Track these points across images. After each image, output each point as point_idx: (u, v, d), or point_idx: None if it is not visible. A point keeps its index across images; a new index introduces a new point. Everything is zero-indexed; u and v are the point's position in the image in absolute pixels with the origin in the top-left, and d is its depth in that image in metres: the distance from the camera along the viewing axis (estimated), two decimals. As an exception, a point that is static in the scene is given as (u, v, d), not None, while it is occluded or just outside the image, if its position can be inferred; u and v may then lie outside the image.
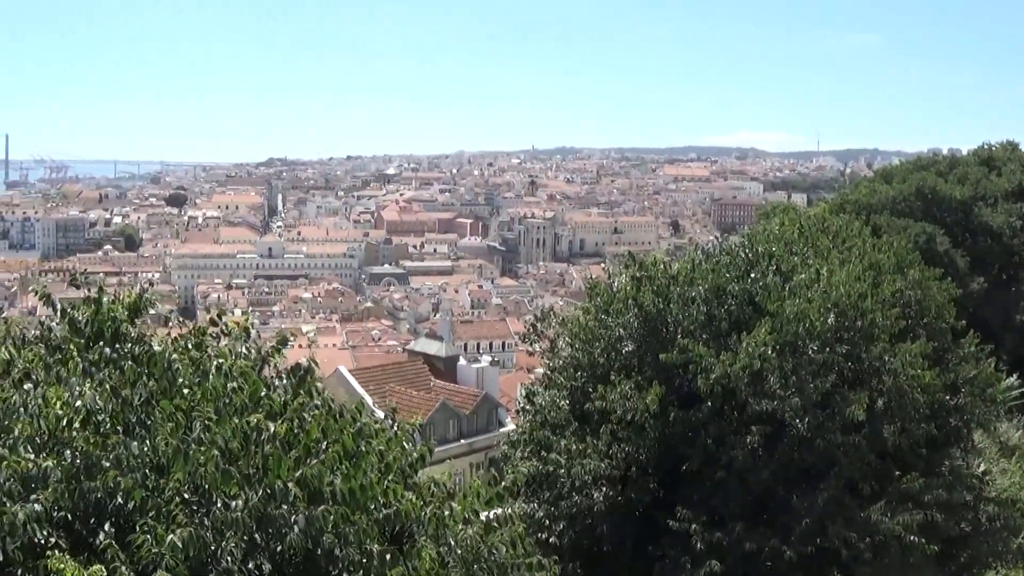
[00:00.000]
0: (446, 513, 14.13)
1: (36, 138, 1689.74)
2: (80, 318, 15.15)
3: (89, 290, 15.46)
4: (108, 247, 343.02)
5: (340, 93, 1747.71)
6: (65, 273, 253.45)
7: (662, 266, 31.63)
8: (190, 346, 14.62)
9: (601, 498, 28.48)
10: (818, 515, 27.51)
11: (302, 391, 14.61)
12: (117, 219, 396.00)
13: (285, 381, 14.83)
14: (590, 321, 31.92)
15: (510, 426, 59.88)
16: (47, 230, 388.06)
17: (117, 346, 14.66)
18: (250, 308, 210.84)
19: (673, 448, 28.78)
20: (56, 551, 11.19)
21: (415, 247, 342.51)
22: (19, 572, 11.42)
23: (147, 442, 12.56)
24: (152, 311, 16.08)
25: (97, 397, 12.98)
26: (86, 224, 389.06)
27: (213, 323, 15.92)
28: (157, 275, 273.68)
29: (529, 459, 30.17)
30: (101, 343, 14.59)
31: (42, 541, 11.53)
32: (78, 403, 12.87)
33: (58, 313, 15.47)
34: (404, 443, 14.76)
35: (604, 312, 31.58)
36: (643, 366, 29.93)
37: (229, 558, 11.53)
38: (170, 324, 17.08)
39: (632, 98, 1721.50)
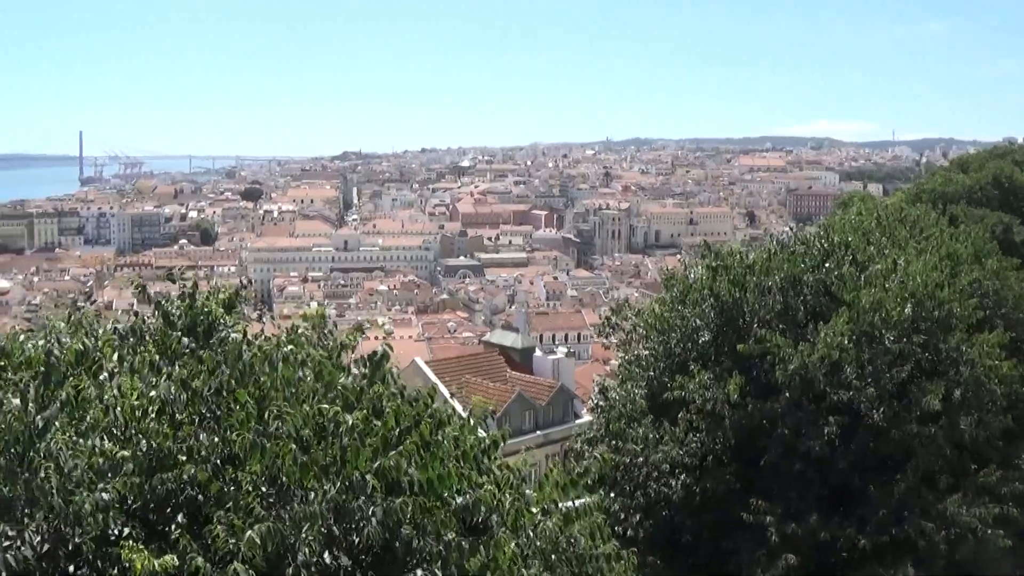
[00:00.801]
0: (524, 503, 14.05)
1: (110, 134, 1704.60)
2: (174, 311, 15.15)
3: (184, 285, 15.53)
4: (184, 241, 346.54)
5: (415, 86, 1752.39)
6: (141, 268, 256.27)
7: (738, 256, 31.47)
8: (282, 339, 14.48)
9: (679, 486, 28.43)
10: (894, 505, 27.37)
11: (377, 379, 14.55)
12: (192, 214, 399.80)
13: (360, 369, 14.74)
14: (666, 312, 31.84)
15: (586, 417, 59.70)
16: (122, 225, 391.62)
17: (210, 340, 14.75)
18: (326, 301, 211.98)
19: (751, 439, 28.68)
20: (128, 541, 11.17)
21: (490, 239, 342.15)
22: (91, 561, 11.48)
23: (218, 434, 12.64)
24: (246, 306, 16.19)
25: (171, 388, 12.95)
26: (161, 219, 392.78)
27: (305, 317, 15.95)
28: (233, 269, 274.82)
29: (603, 451, 29.39)
30: (180, 334, 14.64)
31: (114, 531, 11.56)
32: (152, 393, 12.86)
33: (152, 305, 15.38)
34: (478, 430, 14.60)
35: (680, 303, 31.51)
36: (720, 356, 29.85)
37: (307, 551, 11.54)
38: (263, 319, 17.25)
39: (708, 88, 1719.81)
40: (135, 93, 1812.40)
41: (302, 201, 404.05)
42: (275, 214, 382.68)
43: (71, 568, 11.57)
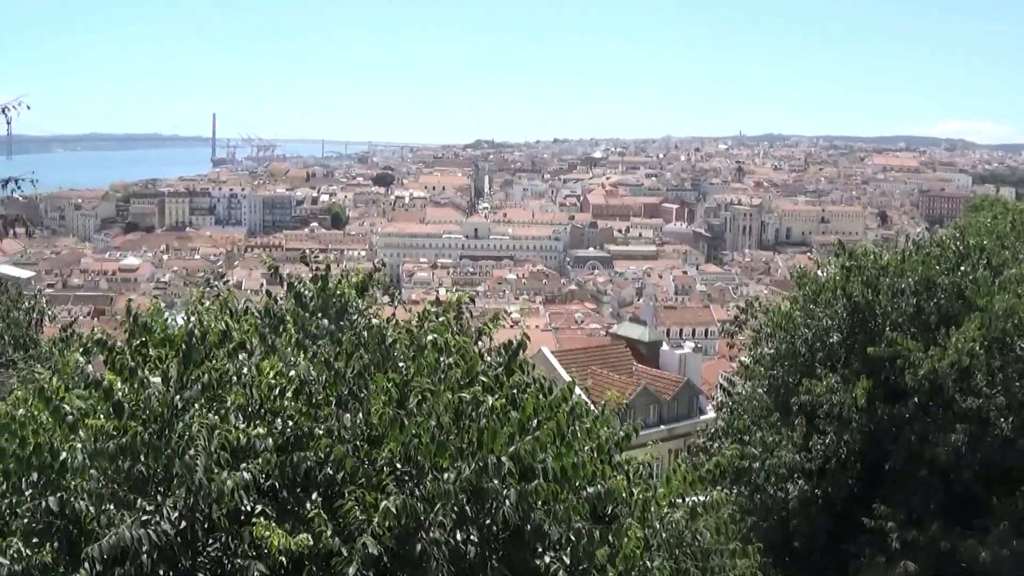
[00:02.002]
0: (652, 496, 14.12)
1: (244, 117, 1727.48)
2: (307, 293, 15.31)
3: (317, 268, 15.62)
4: (315, 224, 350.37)
5: (548, 76, 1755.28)
6: (271, 249, 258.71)
7: (872, 256, 31.14)
8: (426, 325, 14.59)
9: (795, 492, 28.27)
10: (1018, 518, 26.99)
11: (514, 367, 14.54)
12: (324, 197, 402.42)
13: (497, 357, 14.68)
14: (796, 311, 31.63)
15: (710, 414, 59.82)
16: (254, 207, 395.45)
17: (341, 322, 14.81)
18: (455, 288, 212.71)
19: (877, 443, 28.44)
20: (262, 519, 11.37)
21: (620, 231, 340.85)
22: (225, 539, 11.72)
23: (360, 414, 12.74)
24: (379, 290, 16.32)
25: (311, 368, 13.11)
26: (293, 202, 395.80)
27: (437, 302, 15.99)
28: (363, 253, 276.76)
29: (727, 449, 29.70)
30: (319, 315, 14.78)
31: (248, 509, 11.78)
32: (291, 373, 13.04)
33: (285, 286, 15.58)
34: (610, 423, 14.65)
35: (812, 302, 31.29)
36: (850, 358, 29.63)
37: (438, 528, 11.61)
38: (395, 303, 17.29)
39: (841, 85, 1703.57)
40: (270, 77, 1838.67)
41: (433, 188, 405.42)
42: (406, 200, 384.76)
43: (205, 543, 11.80)
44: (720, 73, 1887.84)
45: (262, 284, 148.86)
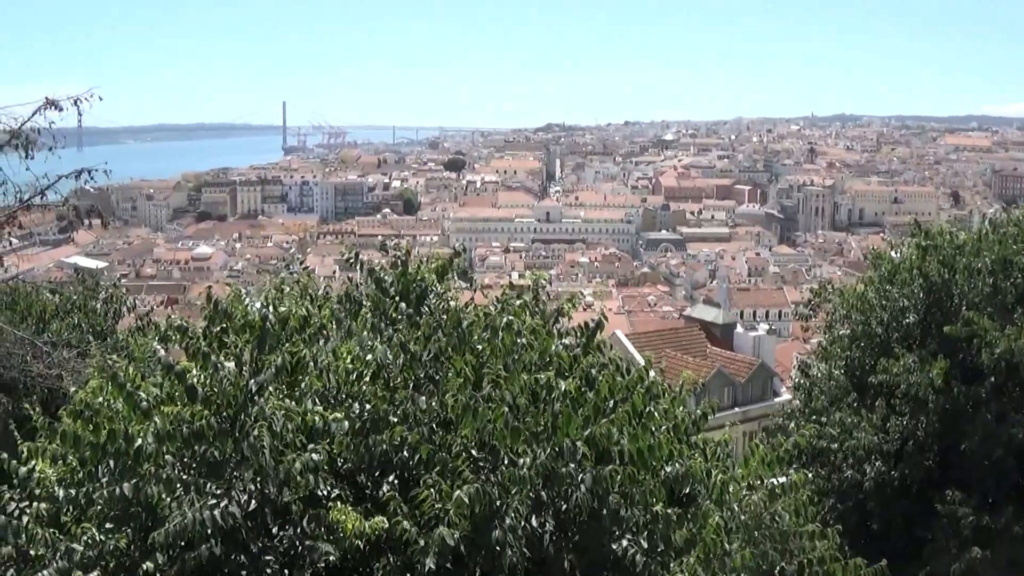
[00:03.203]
0: (730, 477, 14.12)
1: (314, 104, 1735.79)
2: (387, 279, 15.27)
3: (396, 253, 15.56)
4: (387, 210, 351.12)
5: (618, 58, 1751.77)
6: (343, 236, 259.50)
7: (948, 236, 30.89)
8: (502, 307, 14.47)
9: (873, 473, 28.11)
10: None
11: (591, 349, 14.56)
12: (396, 183, 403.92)
13: (574, 339, 14.66)
14: (871, 292, 31.45)
15: (784, 396, 59.47)
16: (326, 194, 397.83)
17: (421, 307, 14.80)
18: (527, 271, 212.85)
19: (953, 424, 28.14)
20: (338, 502, 11.53)
21: (692, 213, 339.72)
22: (299, 523, 11.76)
23: (435, 398, 12.78)
24: (458, 275, 16.19)
25: (388, 352, 13.14)
26: (365, 188, 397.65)
27: (511, 286, 16.01)
28: (435, 238, 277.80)
29: (805, 430, 28.99)
30: (398, 299, 14.77)
31: (324, 492, 11.85)
32: (368, 357, 13.09)
33: (364, 272, 15.59)
34: (686, 403, 14.58)
35: (887, 283, 31.08)
36: (926, 338, 29.41)
37: (514, 515, 11.58)
38: (474, 287, 17.59)
39: (913, 65, 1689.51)
40: (339, 64, 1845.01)
41: (505, 172, 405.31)
42: (478, 184, 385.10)
43: (277, 527, 11.89)
44: (791, 53, 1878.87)
45: (335, 271, 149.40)
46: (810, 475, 27.24)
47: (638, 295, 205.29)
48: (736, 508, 14.06)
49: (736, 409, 62.30)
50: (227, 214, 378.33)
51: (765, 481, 14.98)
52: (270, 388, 12.12)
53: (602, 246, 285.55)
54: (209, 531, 10.90)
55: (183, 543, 11.02)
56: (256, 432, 11.41)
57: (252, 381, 12.03)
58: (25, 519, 11.90)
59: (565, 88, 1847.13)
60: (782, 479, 15.14)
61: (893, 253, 33.01)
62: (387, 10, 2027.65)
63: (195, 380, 11.98)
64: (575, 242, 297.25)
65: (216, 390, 12.00)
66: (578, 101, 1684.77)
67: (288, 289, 15.14)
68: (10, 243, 20.40)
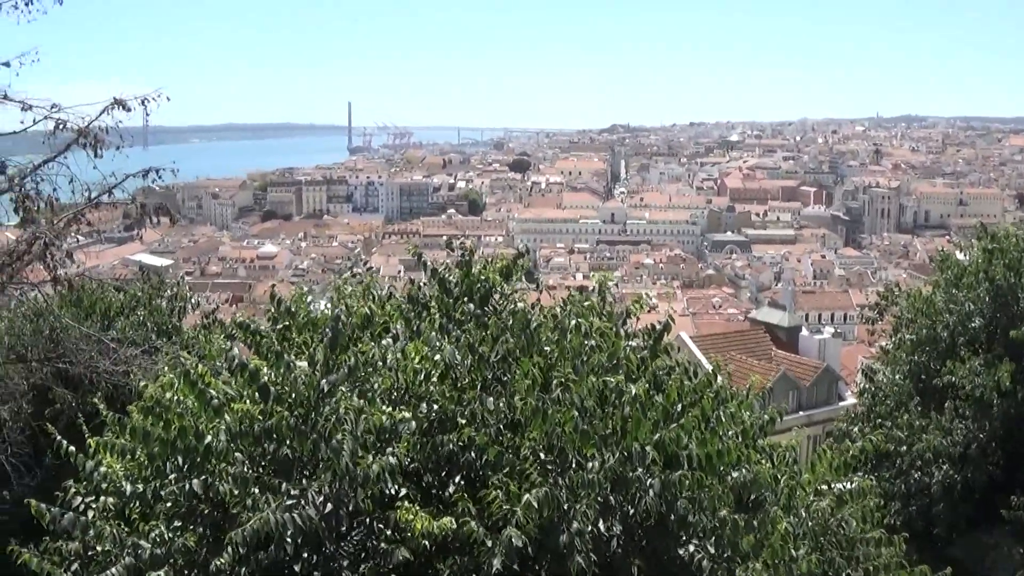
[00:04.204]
0: (798, 483, 14.12)
1: (379, 105, 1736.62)
2: (451, 279, 15.28)
3: (461, 253, 15.59)
4: (452, 211, 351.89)
5: (683, 59, 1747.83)
6: (408, 236, 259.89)
7: (1014, 239, 30.73)
8: (570, 309, 14.42)
9: (939, 477, 27.99)
10: None
11: (659, 352, 14.57)
12: (461, 184, 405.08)
13: (641, 341, 14.66)
14: (937, 296, 31.33)
15: (849, 400, 58.88)
16: (391, 194, 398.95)
17: (485, 307, 14.81)
18: (592, 273, 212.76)
19: (1018, 428, 28.08)
20: (405, 502, 11.47)
21: (758, 215, 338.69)
22: (369, 523, 11.81)
23: (503, 399, 12.73)
24: (524, 275, 16.16)
25: (456, 352, 13.12)
26: (430, 188, 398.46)
27: (580, 289, 16.03)
28: (500, 239, 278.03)
29: (869, 435, 29.28)
30: (464, 299, 14.76)
31: (392, 492, 11.80)
32: (436, 357, 13.03)
33: (428, 272, 15.62)
34: (753, 407, 14.59)
35: (954, 286, 30.97)
36: (992, 343, 29.29)
37: (582, 519, 11.52)
38: (539, 288, 17.27)
39: (979, 66, 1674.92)
40: (404, 65, 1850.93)
41: (570, 173, 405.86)
42: (543, 185, 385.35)
43: (347, 527, 11.88)
44: (856, 54, 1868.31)
45: (399, 271, 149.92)
46: (875, 479, 27.30)
47: (703, 297, 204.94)
48: (803, 514, 14.00)
49: (800, 413, 61.90)
50: (292, 213, 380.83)
51: (832, 486, 14.99)
52: (341, 388, 12.08)
53: (667, 247, 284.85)
54: (290, 532, 10.95)
55: (255, 543, 10.97)
56: (340, 436, 11.41)
57: (324, 380, 12.00)
58: (91, 514, 12.07)
59: (630, 89, 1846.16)
60: (848, 484, 15.17)
61: (959, 256, 32.90)
62: (453, 11, 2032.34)
63: (267, 379, 11.98)
64: (640, 243, 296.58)
65: (288, 389, 12.05)
66: (643, 102, 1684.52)
67: (351, 289, 15.18)
68: (77, 240, 20.45)
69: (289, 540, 11.01)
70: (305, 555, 11.48)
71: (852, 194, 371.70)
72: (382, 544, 11.59)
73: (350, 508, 11.66)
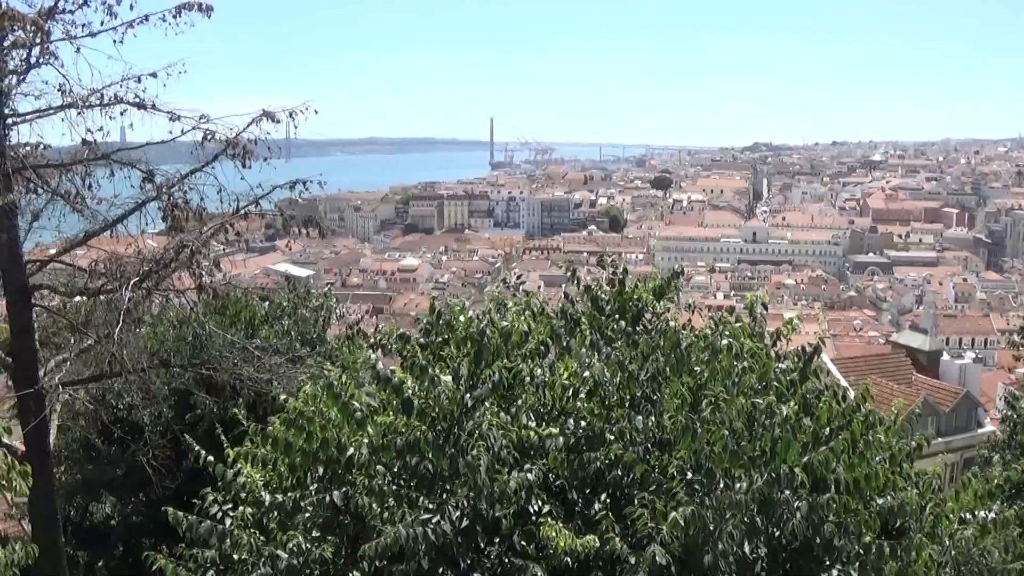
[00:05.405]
0: (942, 510, 13.92)
1: (521, 120, 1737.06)
2: (603, 296, 15.42)
3: (614, 271, 15.80)
4: (592, 227, 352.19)
5: (825, 77, 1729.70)
6: (549, 252, 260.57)
7: None
8: (721, 329, 14.17)
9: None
10: None
11: (808, 374, 14.28)
12: (602, 200, 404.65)
13: (791, 363, 14.43)
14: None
15: (988, 427, 59.03)
16: (532, 209, 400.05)
17: (637, 326, 15.01)
18: (732, 292, 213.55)
19: None
20: (548, 519, 11.43)
21: (900, 236, 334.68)
22: (508, 539, 11.78)
23: (652, 417, 12.74)
24: (679, 295, 16.26)
25: (605, 369, 13.11)
26: (571, 204, 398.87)
27: (729, 310, 16.34)
28: (641, 256, 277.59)
29: (1012, 463, 27.92)
30: (619, 317, 14.93)
31: (535, 508, 11.84)
32: (585, 374, 13.07)
33: (581, 289, 15.75)
34: (900, 432, 14.21)
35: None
36: None
37: (727, 540, 11.43)
38: (692, 308, 16.98)
39: None
40: (547, 82, 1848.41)
41: (711, 191, 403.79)
42: (684, 203, 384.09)
43: (485, 542, 11.94)
44: (1000, 74, 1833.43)
45: (539, 286, 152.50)
46: (1015, 508, 29.20)
47: (844, 319, 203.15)
48: (947, 542, 13.80)
49: (939, 439, 60.32)
50: (434, 227, 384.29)
51: (976, 515, 14.70)
52: (486, 403, 12.18)
53: (808, 268, 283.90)
54: (423, 547, 11.00)
55: (390, 556, 11.08)
56: (475, 451, 11.51)
57: (468, 396, 12.09)
58: (228, 522, 12.30)
59: (773, 107, 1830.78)
60: (991, 513, 14.80)
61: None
62: (595, 29, 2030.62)
63: (410, 392, 12.07)
64: (781, 263, 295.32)
65: (431, 403, 12.13)
66: (785, 120, 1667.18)
67: (510, 304, 15.21)
68: (223, 249, 21.40)
69: (422, 554, 11.06)
70: (440, 570, 11.49)
71: (994, 216, 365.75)
72: (518, 561, 11.51)
73: (488, 524, 11.67)
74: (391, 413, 12.25)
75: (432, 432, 11.83)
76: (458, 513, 11.46)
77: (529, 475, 11.41)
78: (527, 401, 12.82)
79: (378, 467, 11.93)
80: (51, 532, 20.08)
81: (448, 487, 11.84)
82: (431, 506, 11.59)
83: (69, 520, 26.49)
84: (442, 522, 11.20)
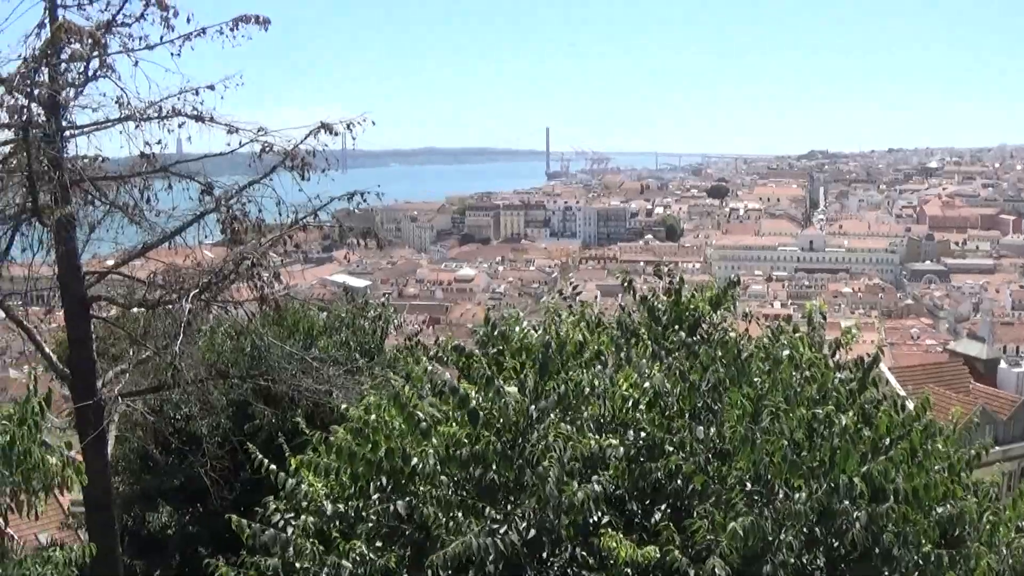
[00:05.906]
0: (1000, 519, 13.77)
1: (576, 131, 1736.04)
2: (660, 306, 15.45)
3: (671, 281, 15.77)
4: (649, 237, 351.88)
5: (881, 84, 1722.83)
6: (605, 261, 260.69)
7: None
8: (766, 339, 14.26)
9: None
10: None
11: (867, 384, 14.27)
12: (658, 209, 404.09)
13: (850, 372, 14.43)
14: None
15: (1043, 436, 57.58)
16: (588, 219, 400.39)
17: (695, 336, 14.97)
18: (789, 301, 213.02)
19: None
20: (608, 529, 11.43)
21: (956, 243, 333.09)
22: (571, 549, 11.83)
23: (712, 428, 12.77)
24: (736, 304, 16.29)
25: (665, 380, 13.18)
26: (627, 214, 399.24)
27: (787, 319, 16.28)
28: (698, 265, 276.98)
29: None
30: (676, 327, 14.94)
31: (596, 519, 11.82)
32: (646, 385, 13.14)
33: (637, 298, 15.77)
34: (959, 441, 14.21)
35: None
36: None
37: (786, 550, 11.49)
38: (748, 319, 17.16)
39: None
40: (601, 92, 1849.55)
41: (768, 199, 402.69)
42: (741, 212, 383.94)
43: (549, 554, 11.95)
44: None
45: (596, 295, 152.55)
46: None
47: (901, 327, 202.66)
48: (1004, 551, 13.54)
49: (996, 448, 59.89)
50: (490, 237, 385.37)
51: None
52: (551, 415, 12.19)
53: (865, 276, 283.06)
54: (491, 556, 11.01)
55: (456, 567, 11.08)
56: (546, 462, 11.52)
57: (534, 407, 12.09)
58: (291, 531, 12.22)
59: (828, 114, 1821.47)
60: None
61: None
62: (649, 37, 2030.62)
63: (475, 403, 12.08)
64: (838, 272, 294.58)
65: (497, 414, 12.14)
66: (841, 127, 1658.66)
67: (566, 315, 15.21)
68: (282, 261, 21.27)
69: (490, 564, 11.07)
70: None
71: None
72: (583, 572, 11.64)
73: (552, 534, 11.71)
74: (454, 424, 12.24)
75: (499, 443, 11.87)
76: (524, 524, 11.43)
77: (596, 487, 11.43)
78: (588, 413, 12.86)
79: (442, 477, 11.97)
80: (108, 541, 20.03)
81: (513, 498, 11.88)
82: (498, 516, 11.62)
83: (126, 529, 26.60)
84: (510, 532, 11.22)
